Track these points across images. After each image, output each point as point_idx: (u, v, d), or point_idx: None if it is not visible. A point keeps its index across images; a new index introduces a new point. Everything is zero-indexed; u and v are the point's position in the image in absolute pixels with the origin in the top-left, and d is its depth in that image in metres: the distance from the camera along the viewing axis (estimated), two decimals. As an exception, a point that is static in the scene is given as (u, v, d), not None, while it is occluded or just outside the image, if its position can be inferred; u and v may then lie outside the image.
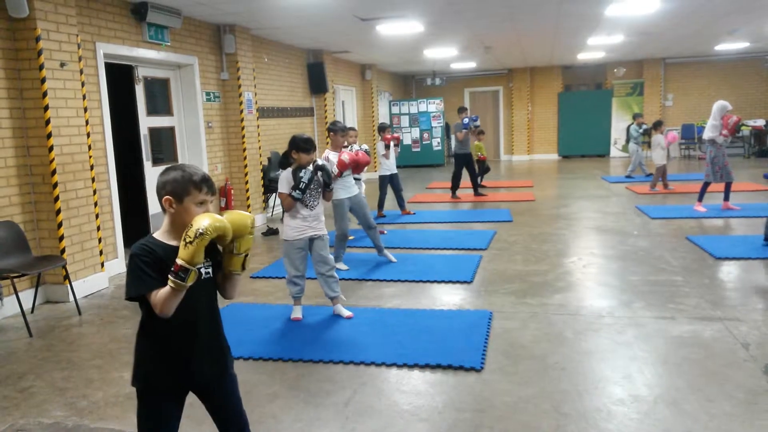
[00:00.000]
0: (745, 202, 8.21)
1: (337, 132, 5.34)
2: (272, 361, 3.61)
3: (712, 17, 9.12)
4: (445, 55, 12.25)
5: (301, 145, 4.03)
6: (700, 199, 7.89)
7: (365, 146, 6.48)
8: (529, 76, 17.01)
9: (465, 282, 5.14)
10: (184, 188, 1.86)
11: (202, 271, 1.90)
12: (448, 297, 4.82)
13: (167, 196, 1.86)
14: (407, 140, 16.48)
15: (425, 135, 16.44)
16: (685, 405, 2.92)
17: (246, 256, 1.90)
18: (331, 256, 4.32)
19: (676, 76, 16.12)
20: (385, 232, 7.33)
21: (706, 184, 7.76)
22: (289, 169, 4.09)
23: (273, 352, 3.73)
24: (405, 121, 16.52)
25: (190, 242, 1.71)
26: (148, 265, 1.79)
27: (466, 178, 10.27)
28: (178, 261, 1.72)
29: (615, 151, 16.56)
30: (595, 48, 12.61)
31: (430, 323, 4.14)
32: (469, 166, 10.14)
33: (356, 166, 5.49)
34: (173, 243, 1.84)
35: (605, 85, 16.79)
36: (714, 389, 3.07)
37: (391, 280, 5.26)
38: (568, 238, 6.83)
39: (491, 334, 3.94)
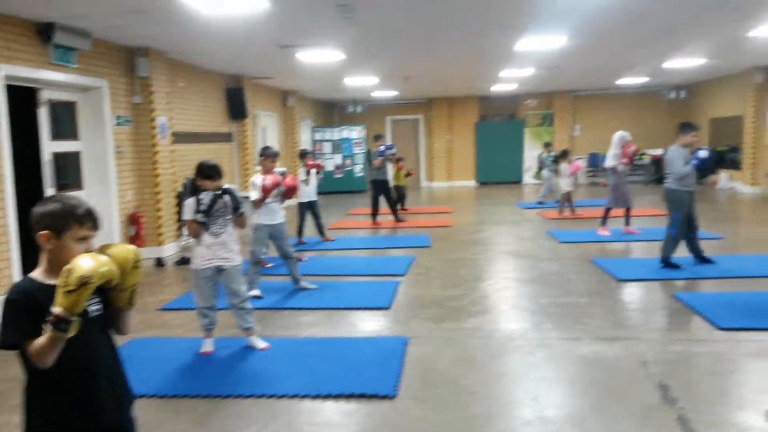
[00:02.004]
0: (645, 226, 8.76)
1: (268, 157, 5.50)
2: (179, 398, 3.45)
3: (613, 53, 9.78)
4: (366, 83, 12.45)
5: (206, 172, 3.98)
6: (603, 224, 8.36)
7: (283, 169, 6.44)
8: (447, 106, 17.54)
9: (382, 308, 5.15)
10: (64, 222, 1.72)
11: (90, 309, 1.78)
12: (366, 324, 4.81)
13: (44, 231, 1.72)
14: (329, 167, 16.51)
15: (347, 161, 16.53)
16: (588, 424, 3.03)
17: (133, 291, 1.81)
18: (244, 287, 4.21)
19: (583, 108, 17.14)
20: (305, 259, 7.25)
21: (608, 210, 8.25)
22: (194, 197, 4.00)
23: (180, 388, 3.57)
24: (327, 147, 16.57)
25: (73, 290, 1.56)
26: (22, 310, 1.64)
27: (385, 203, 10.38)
28: (56, 310, 1.56)
29: (528, 179, 17.30)
30: (508, 80, 13.21)
31: (346, 351, 4.11)
32: (386, 193, 10.25)
33: (288, 191, 5.50)
34: (53, 282, 1.67)
35: (518, 115, 17.59)
36: (616, 407, 3.22)
37: (309, 308, 5.19)
38: (484, 262, 7.03)
39: (407, 360, 3.95)
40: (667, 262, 6.13)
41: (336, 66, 9.64)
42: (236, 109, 10.47)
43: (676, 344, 4.11)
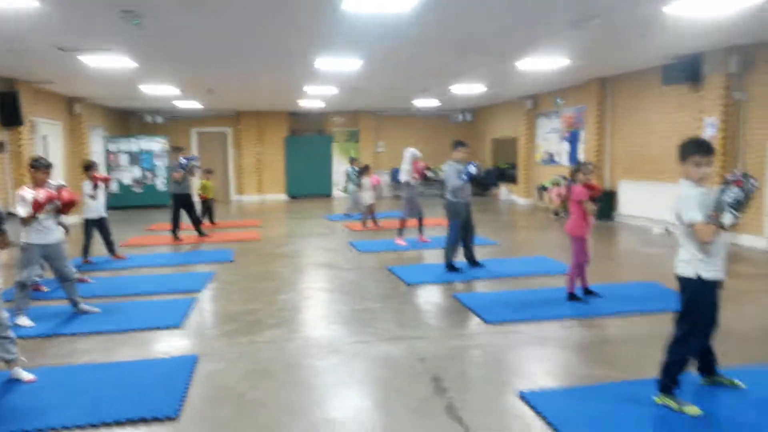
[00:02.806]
0: (436, 235, 9.54)
1: (39, 168, 4.99)
2: None
3: (405, 78, 10.57)
4: (166, 93, 11.83)
5: None
6: (399, 234, 8.94)
7: (59, 182, 5.84)
8: (256, 120, 17.39)
9: (173, 327, 4.92)
10: None
11: None
12: (154, 345, 4.55)
13: None
14: (126, 180, 15.38)
15: (148, 175, 15.51)
16: (369, 421, 3.21)
17: None
18: (4, 314, 3.73)
19: (385, 127, 18.18)
20: (90, 280, 6.64)
21: (404, 221, 8.85)
22: None
23: None
24: (124, 159, 15.40)
25: None
26: None
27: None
28: None
29: (337, 192, 17.83)
30: (314, 97, 13.53)
31: (127, 376, 3.84)
32: (188, 207, 9.88)
33: (65, 206, 4.99)
34: None
35: (327, 131, 18.08)
36: (394, 402, 3.45)
37: (89, 333, 4.76)
38: (288, 275, 7.06)
39: (195, 378, 3.82)
40: (450, 267, 6.76)
41: (128, 73, 9.05)
42: (9, 115, 9.28)
43: (452, 340, 4.54)
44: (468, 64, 8.96)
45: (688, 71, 8.33)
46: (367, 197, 10.77)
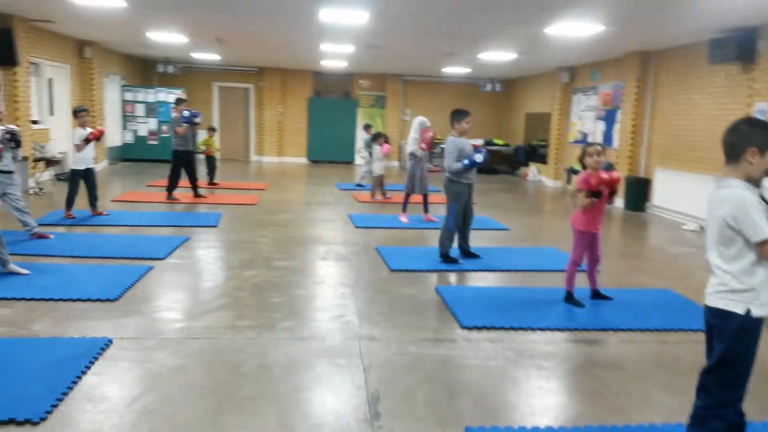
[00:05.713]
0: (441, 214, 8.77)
1: None
2: None
3: (424, 38, 9.61)
4: (174, 41, 11.20)
5: None
6: (403, 210, 8.20)
7: (12, 126, 5.33)
8: (280, 77, 16.70)
9: (107, 300, 4.37)
10: None
11: None
12: (75, 321, 3.99)
13: None
14: (143, 131, 14.99)
15: (164, 127, 15.08)
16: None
17: None
18: None
19: (414, 93, 17.24)
20: (51, 236, 6.17)
21: (408, 195, 8.08)
22: None
23: None
24: (140, 109, 14.98)
25: None
26: None
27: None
28: None
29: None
30: (334, 56, 12.72)
31: (18, 358, 3.30)
32: (189, 165, 9.38)
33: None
34: None
35: (352, 95, 17.27)
36: (310, 428, 2.80)
37: (8, 299, 4.25)
38: (266, 247, 6.44)
39: (94, 369, 3.25)
40: (445, 257, 5.96)
41: (122, 15, 8.41)
42: (1, 53, 8.81)
43: (412, 345, 3.84)
44: (489, 24, 7.99)
45: (738, 48, 7.20)
46: (377, 167, 10.02)
